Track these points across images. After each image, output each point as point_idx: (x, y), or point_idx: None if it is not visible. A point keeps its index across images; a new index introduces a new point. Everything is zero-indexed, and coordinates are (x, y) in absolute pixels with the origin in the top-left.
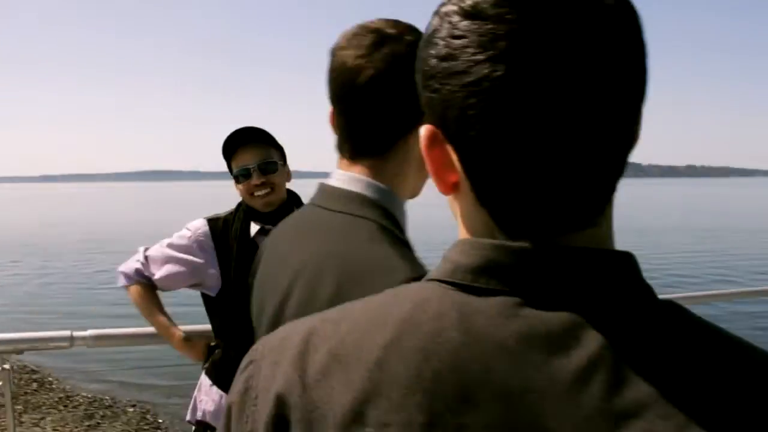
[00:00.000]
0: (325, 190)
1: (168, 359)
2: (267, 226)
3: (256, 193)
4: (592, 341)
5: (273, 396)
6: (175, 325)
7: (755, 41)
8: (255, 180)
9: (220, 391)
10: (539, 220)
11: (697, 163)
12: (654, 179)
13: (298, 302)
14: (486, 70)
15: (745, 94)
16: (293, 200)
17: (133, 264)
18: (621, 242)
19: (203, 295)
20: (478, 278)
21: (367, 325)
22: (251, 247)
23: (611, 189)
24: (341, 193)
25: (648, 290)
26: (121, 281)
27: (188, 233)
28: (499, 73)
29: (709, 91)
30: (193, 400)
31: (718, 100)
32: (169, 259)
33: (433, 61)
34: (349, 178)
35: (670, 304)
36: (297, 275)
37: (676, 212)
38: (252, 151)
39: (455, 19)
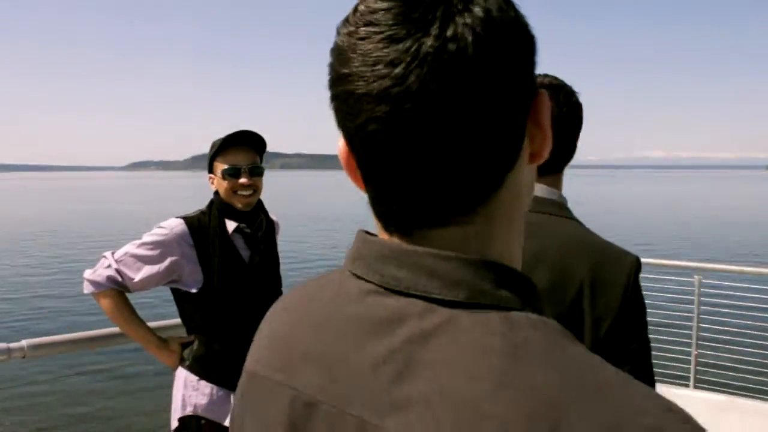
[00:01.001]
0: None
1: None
2: (241, 225)
3: (240, 192)
4: (400, 334)
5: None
6: (151, 330)
7: None
8: (243, 180)
9: (210, 385)
10: (401, 217)
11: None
12: None
13: (548, 280)
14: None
15: None
16: (260, 204)
17: (103, 271)
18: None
19: (176, 292)
20: (353, 265)
21: (287, 300)
22: (230, 243)
23: (468, 194)
24: (543, 200)
25: (493, 299)
26: (89, 288)
27: (164, 231)
28: (378, 110)
29: None
30: (180, 398)
31: None
32: (145, 260)
33: (333, 76)
34: (542, 189)
35: (527, 321)
36: (536, 260)
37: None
38: (245, 152)
39: (349, 41)
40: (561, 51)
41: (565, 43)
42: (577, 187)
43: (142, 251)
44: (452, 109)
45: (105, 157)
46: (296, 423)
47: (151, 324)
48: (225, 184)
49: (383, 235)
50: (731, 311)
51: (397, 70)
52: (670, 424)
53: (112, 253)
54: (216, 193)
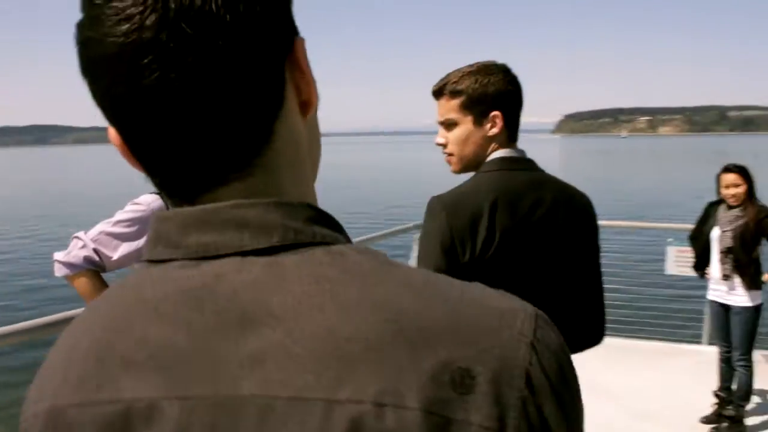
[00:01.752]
0: (521, 160)
1: None
2: None
3: None
4: (222, 296)
5: None
6: None
7: None
8: None
9: None
10: (178, 184)
11: None
12: None
13: (566, 213)
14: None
15: None
16: None
17: (78, 252)
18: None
19: None
20: (151, 252)
21: (76, 323)
22: None
23: (238, 148)
24: (525, 160)
25: (309, 236)
26: (63, 271)
27: (141, 207)
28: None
29: None
30: None
31: None
32: (123, 237)
33: (77, 47)
34: (519, 151)
35: (351, 249)
36: (555, 200)
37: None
38: None
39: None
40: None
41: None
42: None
43: (119, 229)
44: (193, 59)
45: None
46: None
47: None
48: None
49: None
50: None
51: (131, 24)
52: (520, 305)
53: (85, 233)
54: None
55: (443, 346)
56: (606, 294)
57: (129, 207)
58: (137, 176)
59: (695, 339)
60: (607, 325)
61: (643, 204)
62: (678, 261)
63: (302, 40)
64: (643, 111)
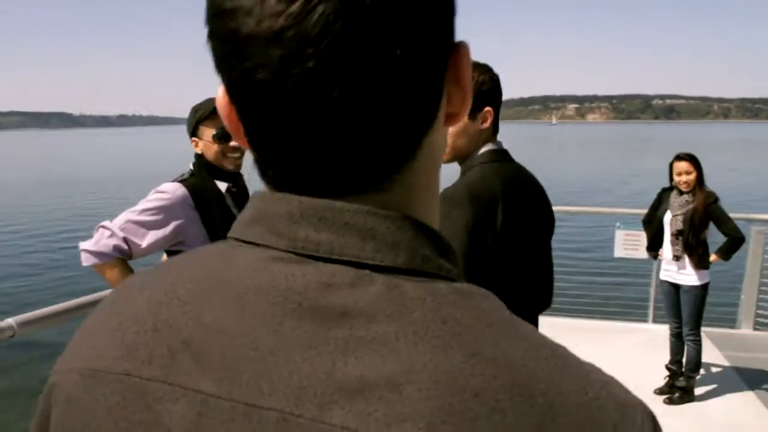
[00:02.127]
0: (505, 152)
1: None
2: (229, 184)
3: (230, 155)
4: (330, 307)
5: None
6: None
7: None
8: (234, 142)
9: None
10: (301, 184)
11: (128, 112)
12: (88, 129)
13: (537, 197)
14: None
15: None
16: None
17: (107, 241)
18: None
19: (172, 254)
20: (248, 231)
21: (138, 281)
22: (225, 203)
23: (382, 160)
24: (506, 152)
25: (434, 267)
26: (92, 260)
27: (166, 195)
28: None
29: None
30: None
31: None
32: (150, 225)
33: (212, 11)
34: (499, 144)
35: (476, 291)
36: (531, 187)
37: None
38: None
39: None
40: None
41: None
42: None
43: (146, 217)
44: (362, 57)
45: None
46: (184, 428)
47: None
48: (215, 147)
49: None
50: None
51: (294, 7)
52: (637, 400)
53: (110, 223)
54: (199, 156)
55: (571, 426)
56: (558, 276)
57: (153, 195)
58: (61, 164)
59: (642, 318)
60: (559, 306)
61: (578, 191)
62: (626, 244)
63: (466, 47)
64: (571, 99)
